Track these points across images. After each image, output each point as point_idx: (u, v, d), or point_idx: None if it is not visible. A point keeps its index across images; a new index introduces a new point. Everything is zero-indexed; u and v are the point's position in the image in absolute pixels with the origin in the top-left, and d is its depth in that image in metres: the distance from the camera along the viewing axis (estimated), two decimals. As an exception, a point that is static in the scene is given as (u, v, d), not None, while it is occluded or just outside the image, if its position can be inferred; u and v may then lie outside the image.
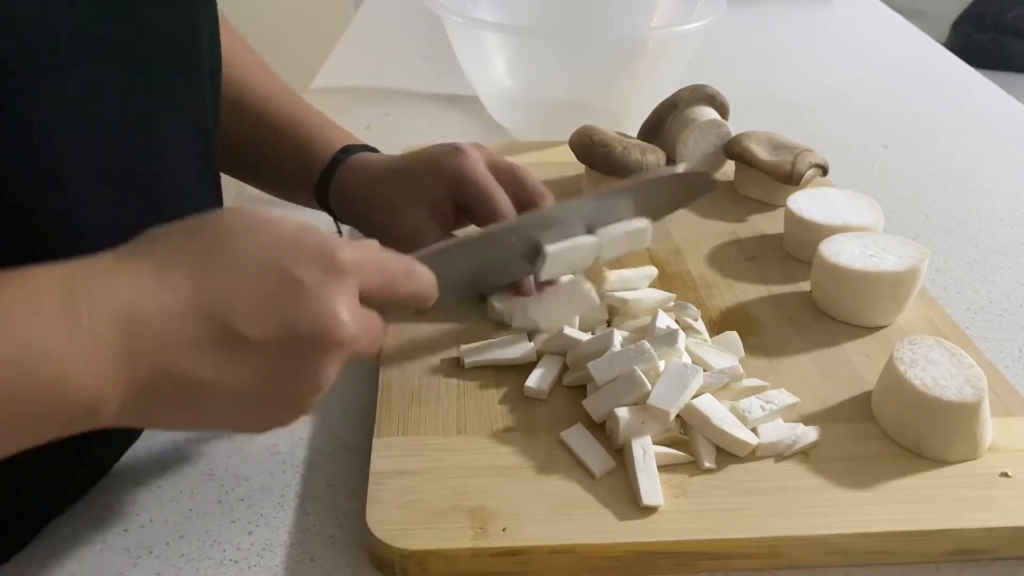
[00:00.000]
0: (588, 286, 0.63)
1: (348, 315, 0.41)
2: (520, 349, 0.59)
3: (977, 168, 0.94)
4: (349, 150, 0.69)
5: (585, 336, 0.59)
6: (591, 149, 0.77)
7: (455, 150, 0.63)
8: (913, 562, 0.48)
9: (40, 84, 0.42)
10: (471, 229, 0.63)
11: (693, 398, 0.52)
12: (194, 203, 0.51)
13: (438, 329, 0.62)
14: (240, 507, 0.51)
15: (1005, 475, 0.50)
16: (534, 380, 0.56)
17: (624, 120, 0.93)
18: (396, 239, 0.63)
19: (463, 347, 0.60)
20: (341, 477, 0.53)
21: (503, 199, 0.62)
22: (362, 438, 0.56)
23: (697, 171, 0.73)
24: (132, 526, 0.50)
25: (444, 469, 0.50)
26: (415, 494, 0.49)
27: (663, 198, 0.66)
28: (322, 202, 0.70)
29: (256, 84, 0.71)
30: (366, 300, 0.44)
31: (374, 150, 0.71)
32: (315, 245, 0.42)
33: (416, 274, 0.48)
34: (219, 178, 0.61)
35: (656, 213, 0.65)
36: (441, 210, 0.63)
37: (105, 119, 0.46)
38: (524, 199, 0.63)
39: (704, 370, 0.55)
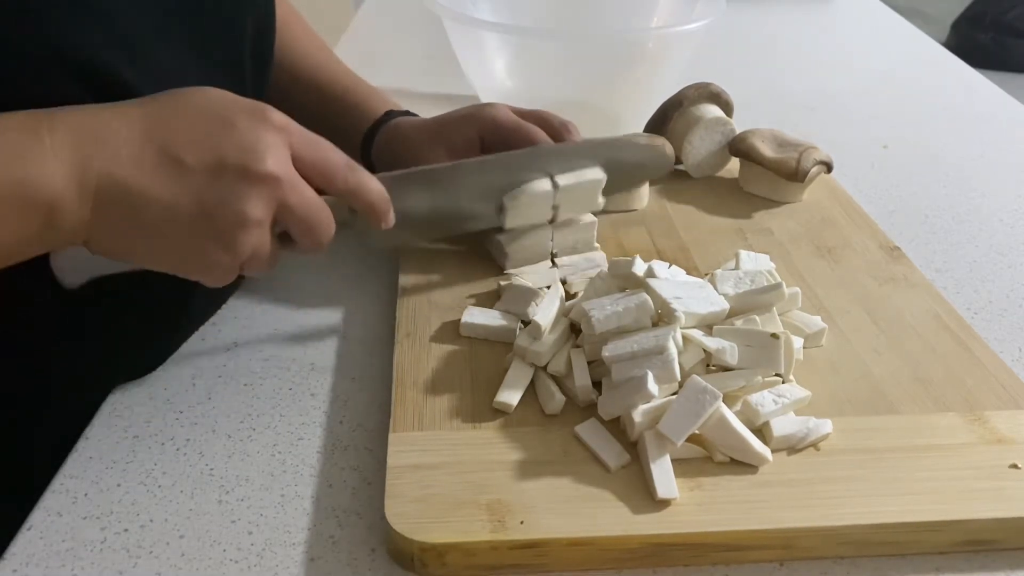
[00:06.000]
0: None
1: (271, 156, 0.48)
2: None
3: (977, 168, 0.94)
4: (391, 114, 0.77)
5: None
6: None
7: (485, 104, 0.72)
8: (923, 552, 0.48)
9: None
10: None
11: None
12: None
13: (451, 324, 0.63)
14: (240, 507, 0.51)
15: (1015, 466, 0.51)
16: (504, 395, 0.55)
17: (624, 120, 0.93)
18: None
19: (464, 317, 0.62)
20: (341, 477, 0.53)
21: (536, 129, 0.69)
22: (362, 438, 0.56)
23: (659, 145, 0.75)
24: (132, 526, 0.50)
25: (460, 463, 0.51)
26: (432, 488, 0.49)
27: (625, 164, 0.72)
28: (365, 159, 0.77)
29: (311, 54, 0.81)
30: (302, 171, 0.50)
31: (415, 115, 0.78)
32: (251, 103, 0.50)
33: (358, 172, 0.54)
34: None
35: (616, 178, 0.70)
36: (467, 156, 0.70)
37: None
38: (552, 134, 0.70)
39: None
